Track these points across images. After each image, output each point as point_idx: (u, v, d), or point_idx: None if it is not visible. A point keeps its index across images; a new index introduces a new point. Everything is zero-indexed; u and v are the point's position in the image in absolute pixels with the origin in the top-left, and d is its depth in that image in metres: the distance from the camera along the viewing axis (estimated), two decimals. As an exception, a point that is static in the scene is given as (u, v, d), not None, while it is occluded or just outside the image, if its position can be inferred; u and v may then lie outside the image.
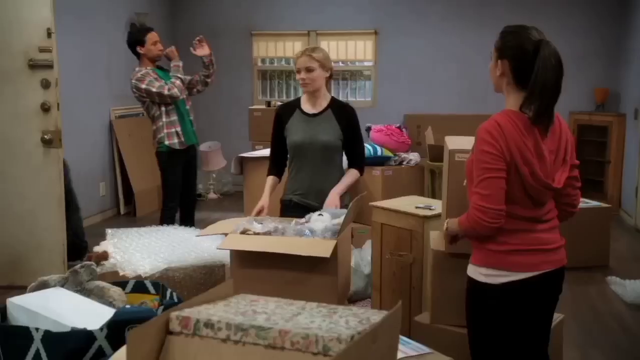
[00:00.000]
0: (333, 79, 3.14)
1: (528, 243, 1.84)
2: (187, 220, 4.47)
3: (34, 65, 3.87)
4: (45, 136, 3.90)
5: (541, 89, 1.78)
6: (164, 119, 4.36)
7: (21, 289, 3.91)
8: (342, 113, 2.91)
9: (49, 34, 3.85)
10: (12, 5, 3.88)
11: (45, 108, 3.90)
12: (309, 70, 2.90)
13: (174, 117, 4.37)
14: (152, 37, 4.35)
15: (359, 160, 2.95)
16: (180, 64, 4.39)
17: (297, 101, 3.08)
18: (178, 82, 4.31)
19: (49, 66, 3.87)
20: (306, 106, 2.99)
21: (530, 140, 1.80)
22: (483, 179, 1.79)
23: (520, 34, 1.86)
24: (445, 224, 2.06)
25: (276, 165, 3.10)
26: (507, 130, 1.79)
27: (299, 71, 2.93)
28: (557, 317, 2.65)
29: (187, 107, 4.50)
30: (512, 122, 1.81)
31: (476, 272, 1.89)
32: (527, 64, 1.81)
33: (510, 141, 1.78)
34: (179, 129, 4.38)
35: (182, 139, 4.39)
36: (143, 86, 4.27)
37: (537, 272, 1.84)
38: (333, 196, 2.86)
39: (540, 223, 1.88)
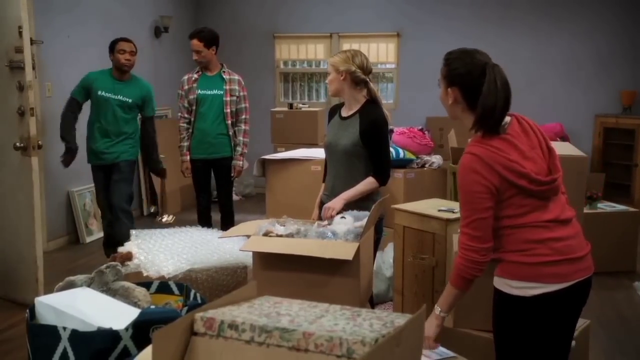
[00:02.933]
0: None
1: (559, 253, 1.81)
2: (222, 225, 4.61)
3: (12, 67, 3.60)
4: (17, 143, 3.56)
5: (482, 113, 1.80)
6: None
7: (16, 304, 3.87)
8: (365, 118, 2.83)
9: (20, 33, 3.50)
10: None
11: (20, 113, 3.58)
12: (329, 73, 2.91)
13: (191, 130, 4.52)
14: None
15: (377, 169, 2.86)
16: None
17: (343, 103, 3.05)
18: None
19: (22, 68, 3.54)
20: (344, 109, 2.98)
21: (512, 153, 1.79)
22: (473, 221, 1.80)
23: (465, 59, 1.87)
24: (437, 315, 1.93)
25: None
26: (486, 157, 1.78)
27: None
28: (583, 322, 2.61)
29: (227, 123, 4.49)
30: (487, 146, 1.80)
31: (506, 284, 1.85)
32: (476, 88, 1.83)
33: (495, 165, 1.77)
34: (187, 143, 4.54)
35: (186, 151, 4.54)
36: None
37: (571, 282, 1.81)
38: (335, 200, 2.78)
39: (562, 225, 1.85)
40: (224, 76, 4.50)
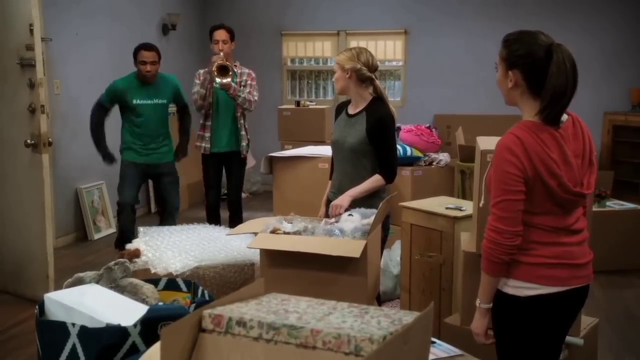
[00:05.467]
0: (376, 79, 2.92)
1: (558, 256, 1.78)
2: (231, 221, 4.61)
3: (23, 64, 3.60)
4: (28, 140, 3.58)
5: (553, 94, 1.71)
6: (201, 121, 4.58)
7: (25, 300, 3.91)
8: (372, 116, 2.83)
9: (31, 31, 3.51)
10: (6, 0, 3.64)
11: (31, 110, 3.59)
12: (335, 71, 2.91)
13: (209, 123, 4.51)
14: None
15: (384, 166, 2.86)
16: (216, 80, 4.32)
17: (350, 101, 3.05)
18: (195, 96, 4.44)
19: (33, 65, 3.55)
20: (350, 106, 2.98)
21: (554, 151, 1.73)
22: (501, 201, 1.74)
23: (528, 40, 1.79)
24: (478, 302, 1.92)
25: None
26: (528, 144, 1.72)
27: None
28: (591, 320, 2.60)
29: (237, 114, 4.51)
30: (533, 134, 1.73)
31: (502, 282, 1.84)
32: (540, 70, 1.74)
33: (534, 155, 1.71)
34: (208, 134, 4.51)
35: (207, 145, 4.52)
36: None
37: (566, 287, 1.79)
38: (342, 197, 2.79)
39: (570, 234, 1.82)
40: (235, 70, 4.52)
